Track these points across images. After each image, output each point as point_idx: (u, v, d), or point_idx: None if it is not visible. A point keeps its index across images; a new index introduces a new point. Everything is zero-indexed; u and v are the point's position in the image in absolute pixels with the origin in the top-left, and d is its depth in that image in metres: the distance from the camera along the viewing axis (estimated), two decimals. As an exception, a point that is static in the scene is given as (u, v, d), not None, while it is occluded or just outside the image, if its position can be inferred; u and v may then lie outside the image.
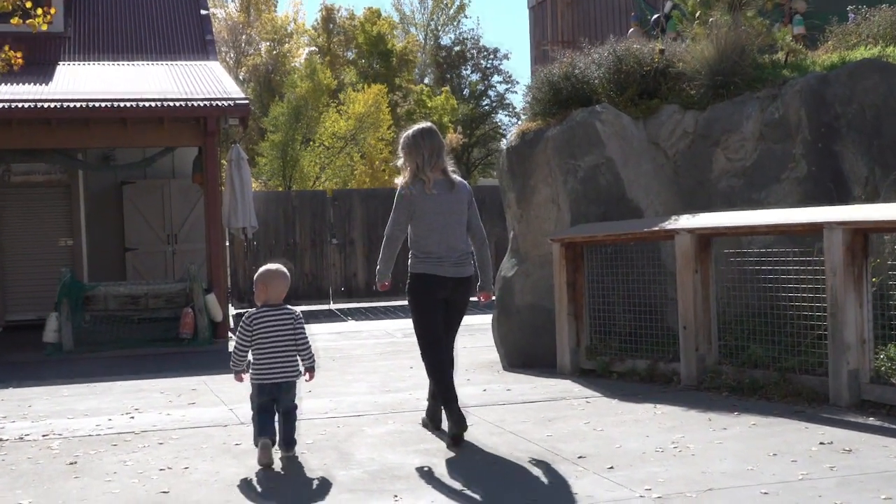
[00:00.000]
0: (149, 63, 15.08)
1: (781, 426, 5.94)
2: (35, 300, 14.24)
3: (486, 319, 10.00)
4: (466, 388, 7.78)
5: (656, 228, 7.77)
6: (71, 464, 5.65)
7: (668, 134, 8.83)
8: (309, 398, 7.26)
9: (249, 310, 5.83)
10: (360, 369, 9.46)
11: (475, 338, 11.22)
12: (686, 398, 6.98)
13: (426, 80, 49.63)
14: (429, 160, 6.02)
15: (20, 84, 12.63)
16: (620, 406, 6.88)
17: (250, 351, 5.63)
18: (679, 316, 7.54)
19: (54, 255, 14.88)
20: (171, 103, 12.16)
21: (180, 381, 8.99)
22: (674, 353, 7.68)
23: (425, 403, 6.48)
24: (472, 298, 6.25)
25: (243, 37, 41.86)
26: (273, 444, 5.54)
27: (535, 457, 5.46)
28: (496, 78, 51.61)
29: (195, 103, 12.25)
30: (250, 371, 5.66)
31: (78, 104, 11.87)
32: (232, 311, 14.97)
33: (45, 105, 11.76)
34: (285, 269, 5.77)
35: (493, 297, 6.41)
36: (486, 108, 51.28)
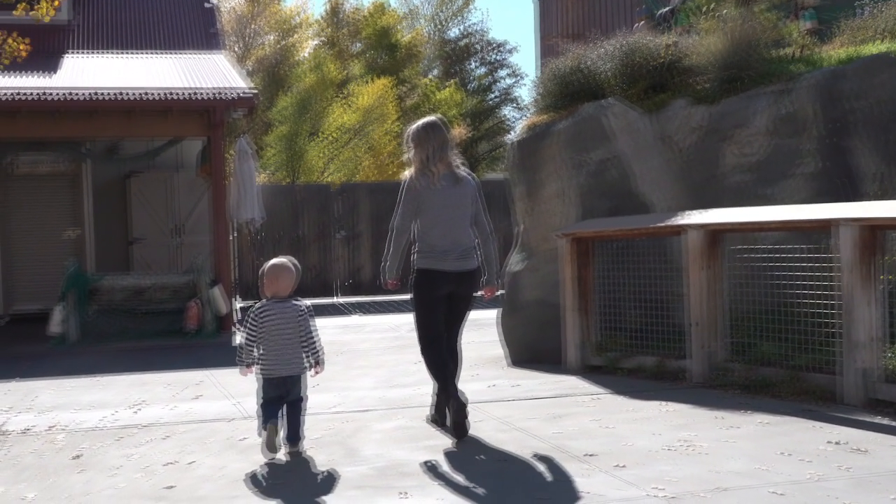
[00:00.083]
0: (155, 54, 15.03)
1: (792, 425, 5.88)
2: (40, 291, 14.21)
3: (493, 314, 9.95)
4: (473, 384, 7.73)
5: (665, 224, 7.70)
6: (75, 457, 5.61)
7: (678, 128, 8.76)
8: (315, 392, 7.19)
9: (257, 303, 5.79)
10: (366, 364, 9.42)
11: (481, 333, 11.16)
12: (695, 396, 6.92)
13: (432, 74, 49.54)
14: (436, 153, 6.01)
15: (26, 75, 12.59)
16: (629, 403, 6.82)
17: (258, 345, 5.60)
18: (688, 312, 7.47)
19: (60, 247, 14.86)
20: (177, 95, 12.11)
21: (185, 375, 8.95)
22: (682, 350, 7.62)
23: (430, 399, 6.43)
24: (477, 293, 6.24)
25: (250, 29, 41.80)
26: (278, 430, 5.53)
27: (543, 454, 5.41)
28: (503, 72, 51.46)
29: (201, 95, 12.19)
30: (258, 365, 5.62)
31: (84, 95, 11.83)
32: (237, 303, 14.94)
33: (51, 96, 11.72)
34: (293, 263, 5.74)
35: (498, 293, 6.39)
36: (493, 101, 51.13)
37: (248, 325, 5.62)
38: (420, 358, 6.24)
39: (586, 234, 8.34)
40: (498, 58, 51.36)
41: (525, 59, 77.46)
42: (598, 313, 8.35)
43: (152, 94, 12.04)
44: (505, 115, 51.04)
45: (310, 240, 16.81)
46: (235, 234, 15.45)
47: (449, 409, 5.92)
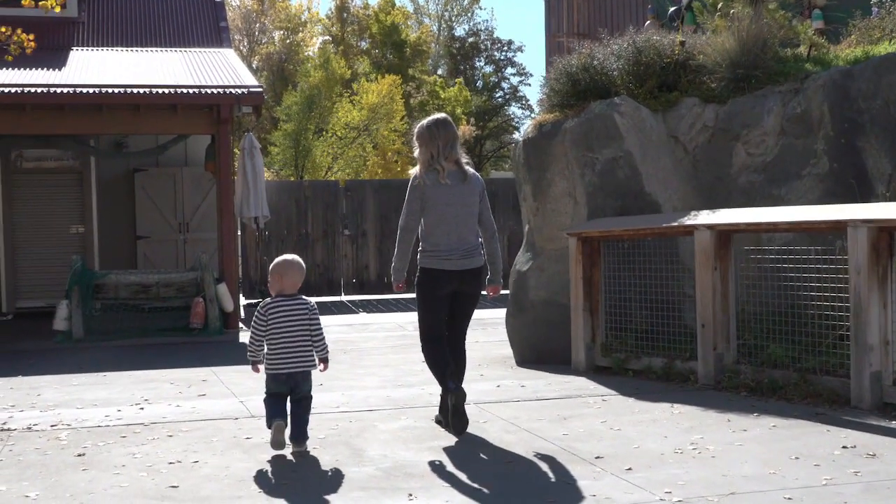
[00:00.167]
0: (162, 50, 14.99)
1: (802, 428, 5.81)
2: (45, 287, 14.18)
3: (499, 314, 9.90)
4: (479, 384, 7.69)
5: (675, 224, 7.64)
6: (79, 455, 5.56)
7: (688, 127, 8.70)
8: (320, 392, 7.15)
9: (264, 300, 5.77)
10: (372, 363, 9.37)
11: (487, 332, 11.11)
12: (704, 398, 6.86)
13: (439, 72, 49.50)
14: (443, 151, 6.04)
15: (33, 69, 12.55)
16: (637, 405, 6.76)
17: (265, 341, 5.58)
18: (697, 314, 7.41)
19: (65, 243, 14.82)
20: (185, 90, 12.06)
21: (190, 372, 8.91)
22: (691, 352, 7.56)
23: (438, 399, 6.38)
24: (482, 292, 6.22)
25: (257, 25, 41.79)
26: (286, 426, 5.52)
27: (550, 456, 5.35)
28: (510, 70, 51.47)
29: (208, 91, 12.14)
30: (265, 361, 5.61)
31: (91, 90, 11.78)
32: (242, 301, 14.89)
33: (58, 91, 11.68)
34: (300, 260, 5.76)
35: (501, 292, 6.40)
36: (500, 100, 51.12)
37: (254, 321, 5.61)
38: (425, 357, 6.22)
39: (595, 234, 8.28)
40: (505, 56, 51.38)
41: (531, 58, 77.46)
42: (605, 314, 8.29)
43: (159, 89, 12.00)
44: (511, 114, 51.10)
45: (316, 237, 16.76)
46: (241, 232, 15.39)
47: (449, 398, 5.94)
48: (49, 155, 14.74)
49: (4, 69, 12.09)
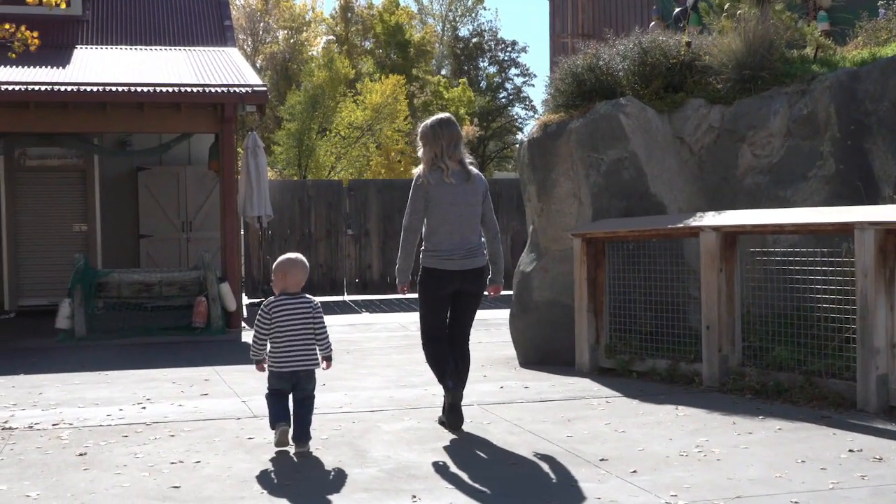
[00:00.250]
0: (167, 48, 14.96)
1: (808, 432, 5.78)
2: (48, 286, 14.16)
3: (503, 314, 9.87)
4: (483, 385, 7.65)
5: (681, 225, 7.60)
6: (80, 455, 5.53)
7: (694, 128, 8.66)
8: (323, 392, 7.11)
9: (267, 298, 5.75)
10: (375, 363, 9.34)
11: (490, 333, 11.08)
12: (709, 400, 6.82)
13: (443, 72, 49.47)
14: (447, 150, 6.05)
15: (37, 67, 12.53)
16: (641, 407, 6.72)
17: (268, 339, 5.56)
18: (702, 315, 7.37)
19: (68, 241, 14.79)
20: (189, 89, 12.03)
21: (192, 371, 8.88)
22: (695, 354, 7.52)
23: (441, 400, 6.35)
24: (484, 292, 6.21)
25: (261, 24, 41.78)
26: (289, 431, 5.52)
27: (555, 458, 5.32)
28: (513, 71, 51.44)
29: (213, 89, 12.11)
30: (268, 359, 5.59)
31: (95, 88, 11.75)
32: (245, 300, 14.86)
33: (62, 88, 11.65)
34: (304, 258, 5.75)
35: (502, 292, 6.40)
36: (503, 100, 51.09)
37: (258, 319, 5.59)
38: (429, 358, 6.20)
39: (600, 235, 8.25)
40: (508, 57, 51.34)
41: (535, 58, 77.41)
42: (610, 315, 8.25)
43: (163, 88, 11.97)
44: (515, 115, 51.08)
45: (319, 237, 16.72)
46: (244, 231, 15.36)
47: (445, 397, 5.95)
48: (53, 153, 14.71)
49: (9, 67, 12.07)
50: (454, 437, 5.89)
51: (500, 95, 50.92)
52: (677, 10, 13.85)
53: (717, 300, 7.24)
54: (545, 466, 5.19)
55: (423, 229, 6.10)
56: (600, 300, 8.27)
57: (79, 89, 11.69)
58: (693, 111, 8.67)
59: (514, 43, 51.11)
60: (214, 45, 15.37)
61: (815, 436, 5.66)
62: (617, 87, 8.90)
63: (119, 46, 14.90)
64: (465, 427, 6.06)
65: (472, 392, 6.97)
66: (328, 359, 5.69)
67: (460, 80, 43.65)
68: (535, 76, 52.51)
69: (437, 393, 6.86)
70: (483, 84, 50.11)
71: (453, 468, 5.17)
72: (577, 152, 8.69)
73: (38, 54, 10.73)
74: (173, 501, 4.62)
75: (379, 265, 16.89)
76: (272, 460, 5.37)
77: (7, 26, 9.43)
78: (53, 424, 6.42)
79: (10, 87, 11.45)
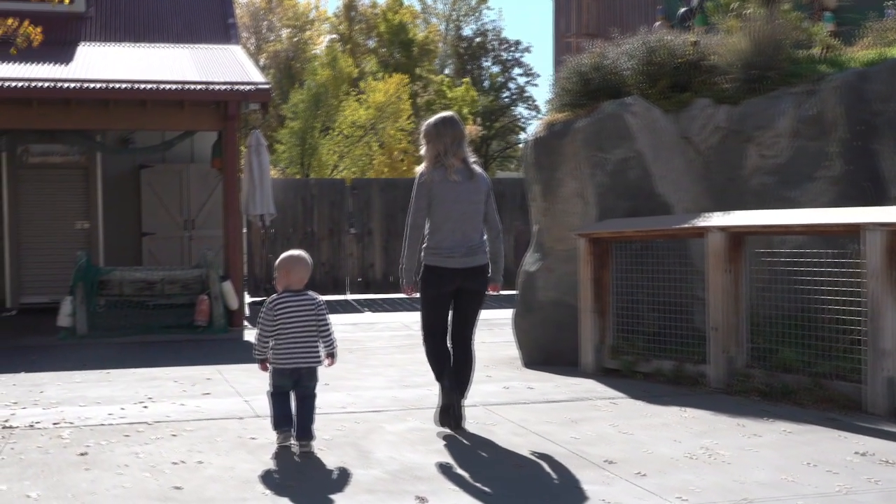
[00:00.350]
0: (170, 45, 14.92)
1: (816, 434, 5.72)
2: (50, 283, 14.13)
3: (506, 315, 9.81)
4: (487, 385, 7.60)
5: (687, 225, 7.55)
6: (81, 454, 5.48)
7: (700, 128, 8.60)
8: (326, 391, 7.07)
9: (270, 296, 5.71)
10: (378, 362, 9.29)
11: (494, 333, 11.02)
12: (715, 402, 6.76)
13: (446, 71, 49.40)
14: (450, 148, 6.03)
15: (40, 64, 12.49)
16: (647, 408, 6.67)
17: (272, 337, 5.52)
18: (708, 316, 7.32)
19: (70, 238, 14.76)
20: (192, 86, 11.98)
21: (195, 370, 8.83)
22: (701, 355, 7.46)
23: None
24: (487, 291, 6.18)
25: (265, 23, 41.74)
26: (291, 435, 5.48)
27: (561, 460, 5.26)
28: (517, 70, 51.35)
29: (216, 87, 12.07)
30: (271, 356, 5.54)
31: (98, 85, 11.71)
32: (248, 299, 14.82)
33: (65, 85, 11.61)
34: (307, 255, 5.70)
35: (503, 291, 6.40)
36: (506, 100, 51.02)
37: (262, 317, 5.54)
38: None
39: (605, 235, 8.19)
40: (512, 56, 51.27)
41: (539, 58, 77.35)
42: (615, 315, 8.20)
43: (166, 85, 11.93)
44: (518, 114, 51.00)
45: (321, 235, 16.67)
46: (246, 229, 15.32)
47: (440, 396, 5.95)
48: (55, 150, 14.68)
49: (11, 63, 12.03)
50: (458, 437, 5.83)
51: (504, 95, 50.84)
52: (683, 9, 13.80)
53: (724, 301, 7.18)
54: (550, 468, 5.13)
55: (426, 227, 6.06)
56: (605, 300, 8.21)
57: (82, 86, 11.65)
58: (699, 111, 8.61)
59: (517, 42, 51.04)
60: (218, 42, 15.33)
61: (823, 438, 5.61)
62: (623, 86, 8.85)
63: (122, 43, 14.86)
64: (470, 428, 6.01)
65: (477, 392, 6.91)
66: (332, 355, 5.64)
67: (463, 80, 43.60)
68: (538, 76, 52.55)
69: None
70: (486, 84, 50.04)
71: (458, 469, 5.12)
72: (582, 152, 8.64)
73: (40, 51, 10.68)
74: (175, 502, 4.56)
75: (382, 264, 16.84)
76: (275, 461, 5.32)
77: (10, 22, 9.38)
78: (54, 423, 6.37)
79: (12, 84, 11.41)
